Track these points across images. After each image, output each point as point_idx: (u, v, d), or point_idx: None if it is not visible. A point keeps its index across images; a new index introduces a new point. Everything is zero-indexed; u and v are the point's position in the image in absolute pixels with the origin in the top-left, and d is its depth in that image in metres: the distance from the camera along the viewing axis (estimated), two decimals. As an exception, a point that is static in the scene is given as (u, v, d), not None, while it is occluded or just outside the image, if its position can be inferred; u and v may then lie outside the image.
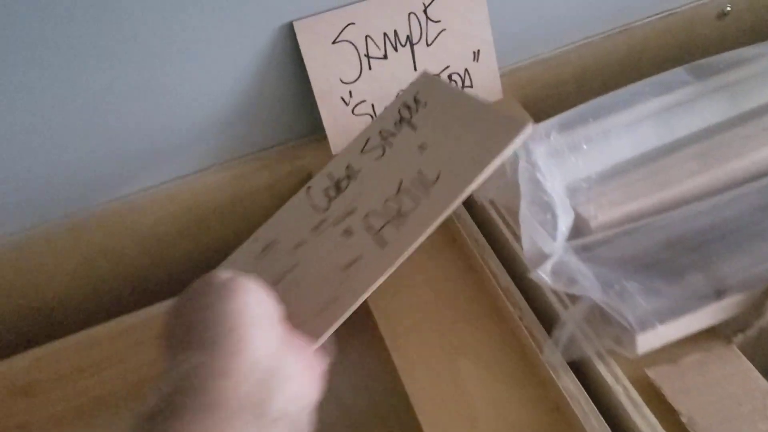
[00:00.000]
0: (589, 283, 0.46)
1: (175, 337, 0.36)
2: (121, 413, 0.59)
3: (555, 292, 0.49)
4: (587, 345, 0.46)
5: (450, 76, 0.66)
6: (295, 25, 0.59)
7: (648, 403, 0.45)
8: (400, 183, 0.52)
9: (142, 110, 0.59)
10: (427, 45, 0.64)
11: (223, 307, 0.36)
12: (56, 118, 0.56)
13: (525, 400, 0.48)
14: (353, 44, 0.61)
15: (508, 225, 0.56)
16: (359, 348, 0.60)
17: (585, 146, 0.54)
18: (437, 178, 0.50)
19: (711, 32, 0.75)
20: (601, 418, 0.45)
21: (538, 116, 0.67)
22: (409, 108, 0.57)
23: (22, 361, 0.57)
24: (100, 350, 0.59)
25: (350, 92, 0.63)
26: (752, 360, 0.48)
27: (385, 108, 0.59)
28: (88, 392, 0.60)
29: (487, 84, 0.67)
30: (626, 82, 0.59)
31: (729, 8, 0.75)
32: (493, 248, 0.55)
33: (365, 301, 0.53)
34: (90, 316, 0.64)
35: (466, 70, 0.66)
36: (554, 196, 0.49)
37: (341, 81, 0.62)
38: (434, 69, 0.65)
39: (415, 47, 0.63)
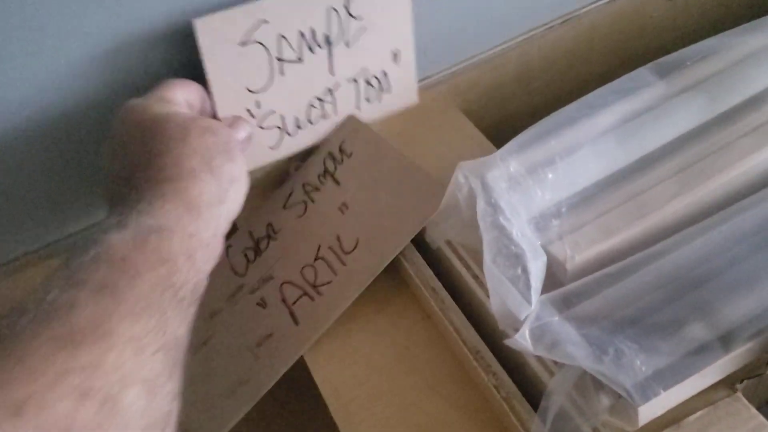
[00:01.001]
0: (576, 347, 0.39)
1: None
2: None
3: (538, 358, 0.42)
4: (579, 419, 0.39)
5: (368, 80, 0.57)
6: (196, 23, 0.48)
7: (655, 480, 0.38)
8: (318, 248, 0.52)
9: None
10: (347, 46, 0.55)
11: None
12: None
13: (512, 489, 0.41)
14: (264, 46, 0.51)
15: (469, 268, 0.48)
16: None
17: (550, 175, 0.46)
18: (355, 247, 0.51)
19: (661, 15, 0.68)
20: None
21: (482, 123, 0.61)
22: (334, 159, 0.56)
23: None
24: None
25: (257, 102, 0.53)
26: (754, 398, 0.42)
27: (311, 157, 0.58)
28: None
29: (403, 89, 0.59)
30: (575, 78, 0.54)
31: (677, -13, 0.69)
32: (454, 298, 0.48)
33: (308, 371, 0.47)
34: None
35: (384, 72, 0.58)
36: (523, 244, 0.41)
37: (248, 90, 0.52)
38: (351, 72, 0.56)
39: (334, 48, 0.54)
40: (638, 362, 0.38)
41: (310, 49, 0.53)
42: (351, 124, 0.58)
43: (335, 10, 0.52)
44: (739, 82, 0.51)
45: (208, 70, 0.49)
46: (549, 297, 0.42)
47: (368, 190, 0.53)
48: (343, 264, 0.50)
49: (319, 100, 0.56)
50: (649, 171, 0.48)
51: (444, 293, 0.48)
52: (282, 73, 0.53)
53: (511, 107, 0.67)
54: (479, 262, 0.44)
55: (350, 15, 0.53)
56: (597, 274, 0.42)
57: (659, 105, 0.51)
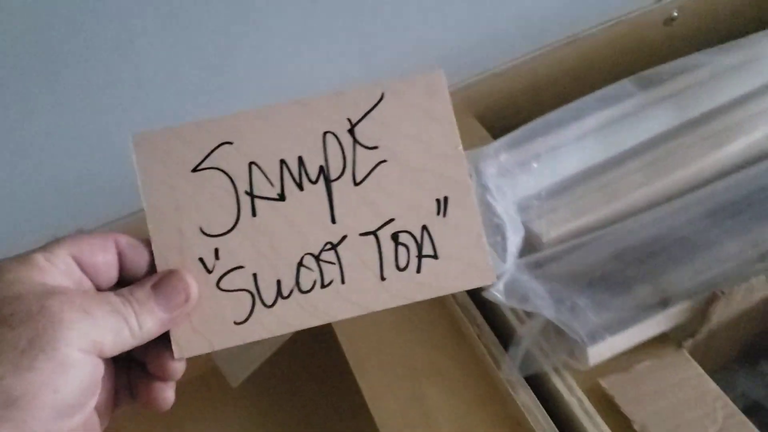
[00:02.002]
0: (541, 300, 0.48)
1: None
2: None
3: (513, 310, 0.51)
4: (543, 360, 0.48)
5: (396, 237, 0.37)
6: (135, 138, 0.37)
7: (602, 412, 0.46)
8: None
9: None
10: (355, 183, 0.38)
11: None
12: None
13: (486, 417, 0.50)
14: (227, 174, 0.37)
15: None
16: (324, 367, 0.62)
17: (535, 164, 0.55)
18: None
19: (659, 38, 0.77)
20: (555, 428, 0.46)
21: (494, 129, 0.70)
22: None
23: None
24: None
25: (215, 251, 0.37)
26: (702, 363, 0.50)
27: None
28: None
29: (463, 254, 0.37)
30: (579, 93, 0.61)
31: (676, 14, 0.77)
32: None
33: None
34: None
35: (424, 228, 0.38)
36: (504, 217, 0.51)
37: (201, 232, 0.37)
38: (367, 223, 0.37)
39: (334, 185, 0.37)
40: (590, 313, 0.47)
41: (298, 184, 0.37)
42: None
43: (335, 135, 0.37)
44: (705, 96, 0.59)
45: (146, 201, 0.36)
46: (523, 260, 0.51)
47: None
48: None
49: (315, 258, 0.37)
50: (621, 166, 0.56)
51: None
52: (254, 213, 0.37)
53: (521, 116, 0.76)
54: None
55: (359, 143, 0.37)
56: (565, 244, 0.51)
57: (636, 112, 0.59)
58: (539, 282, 0.49)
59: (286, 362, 0.62)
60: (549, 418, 0.47)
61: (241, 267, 0.37)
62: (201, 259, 0.37)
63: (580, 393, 0.47)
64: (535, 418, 0.47)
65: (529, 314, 0.50)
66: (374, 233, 0.38)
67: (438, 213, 0.38)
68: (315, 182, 0.38)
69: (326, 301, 0.37)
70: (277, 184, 0.37)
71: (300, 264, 0.37)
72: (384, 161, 0.38)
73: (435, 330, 0.55)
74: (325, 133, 0.37)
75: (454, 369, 0.52)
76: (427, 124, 0.38)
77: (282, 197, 0.37)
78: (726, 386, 0.48)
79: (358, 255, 0.38)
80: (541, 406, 0.48)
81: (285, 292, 0.37)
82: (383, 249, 0.38)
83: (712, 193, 0.53)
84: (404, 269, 0.38)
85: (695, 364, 0.49)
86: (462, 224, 0.38)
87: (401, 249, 0.38)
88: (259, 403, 0.68)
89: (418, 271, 0.37)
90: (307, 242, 0.37)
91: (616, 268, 0.50)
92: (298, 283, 0.37)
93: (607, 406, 0.47)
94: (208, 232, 0.37)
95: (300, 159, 0.38)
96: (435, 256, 0.37)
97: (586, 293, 0.48)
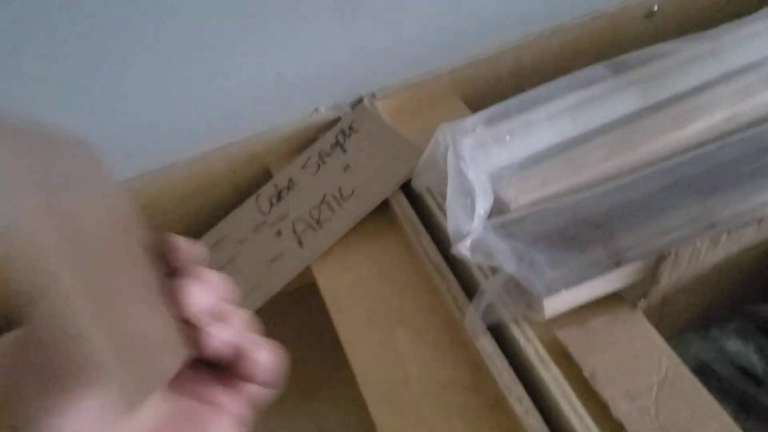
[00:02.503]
0: (503, 256, 0.52)
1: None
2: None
3: (479, 267, 0.56)
4: (504, 311, 0.52)
5: None
6: None
7: (557, 361, 0.51)
8: (324, 196, 0.66)
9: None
10: None
11: None
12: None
13: (451, 360, 0.54)
14: None
15: (441, 208, 0.62)
16: (305, 320, 0.67)
17: (508, 137, 0.60)
18: (351, 195, 0.64)
19: (639, 31, 0.81)
20: (513, 374, 0.51)
21: (479, 111, 0.74)
22: (344, 134, 0.70)
23: None
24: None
25: None
26: (657, 326, 0.54)
27: (328, 132, 0.73)
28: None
29: None
30: None
31: (656, 8, 0.82)
32: (427, 230, 0.62)
33: (312, 276, 0.61)
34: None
35: None
36: (475, 183, 0.55)
37: None
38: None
39: None
40: (547, 269, 0.51)
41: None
42: (361, 109, 0.72)
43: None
44: (671, 81, 0.64)
45: None
46: (490, 222, 0.55)
47: (367, 155, 0.67)
48: (341, 207, 0.64)
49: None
50: (588, 142, 0.61)
51: (418, 223, 0.62)
52: None
53: (504, 99, 0.80)
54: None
55: None
56: (530, 208, 0.56)
57: (606, 95, 0.64)
58: (503, 241, 0.53)
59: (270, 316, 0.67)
60: (507, 363, 0.51)
61: None
62: None
63: (536, 342, 0.51)
64: (493, 363, 0.52)
65: (493, 271, 0.54)
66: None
67: None
68: None
69: None
70: None
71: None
72: None
73: (408, 283, 0.60)
74: None
75: (424, 318, 0.57)
76: None
77: None
78: (679, 350, 0.52)
79: None
80: (500, 352, 0.52)
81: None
82: None
83: (669, 167, 0.57)
84: None
85: (646, 321, 0.53)
86: None
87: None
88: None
89: None
90: None
91: (574, 231, 0.54)
92: None
93: (561, 356, 0.51)
94: None
95: None
96: None
97: (545, 251, 0.53)
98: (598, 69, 0.65)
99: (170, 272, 0.32)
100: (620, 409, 0.48)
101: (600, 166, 0.59)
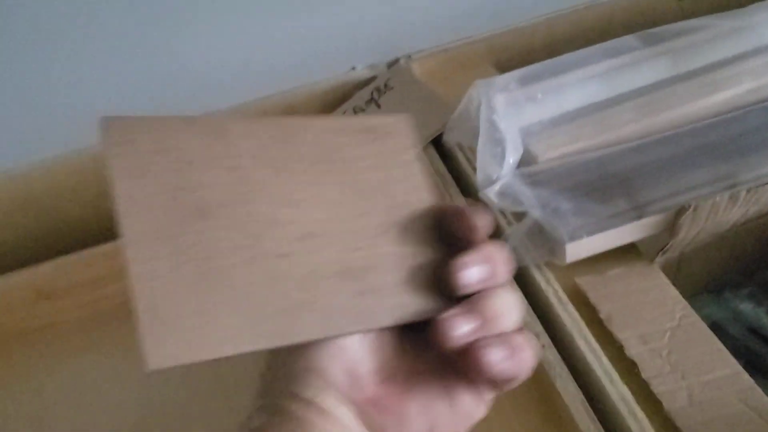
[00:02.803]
0: (529, 202, 0.55)
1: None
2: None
3: (503, 213, 0.58)
4: (527, 255, 0.55)
5: None
6: None
7: (575, 303, 0.53)
8: None
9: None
10: None
11: None
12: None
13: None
14: None
15: (471, 163, 0.64)
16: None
17: (540, 96, 0.62)
18: None
19: (670, 14, 0.83)
20: (533, 313, 0.53)
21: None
22: (379, 90, 0.72)
23: (46, 267, 0.66)
24: (118, 261, 0.67)
25: None
26: (675, 283, 0.56)
27: (363, 89, 0.74)
28: (108, 299, 0.68)
29: None
30: None
31: (689, -9, 0.84)
32: (456, 182, 0.64)
33: None
34: (110, 235, 0.73)
35: None
36: (506, 134, 0.57)
37: None
38: None
39: None
40: (571, 216, 0.54)
41: None
42: (397, 68, 0.75)
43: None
44: (701, 54, 0.66)
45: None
46: (518, 171, 0.58)
47: (400, 110, 0.70)
48: None
49: None
50: (617, 105, 0.63)
51: (448, 177, 0.64)
52: None
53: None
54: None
55: None
56: (557, 161, 0.58)
57: (636, 63, 0.66)
58: (530, 188, 0.56)
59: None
60: (527, 302, 0.54)
61: None
62: None
63: (556, 285, 0.54)
64: (515, 305, 0.54)
65: (517, 219, 0.57)
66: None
67: None
68: None
69: None
70: None
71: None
72: None
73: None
74: None
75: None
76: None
77: None
78: (693, 309, 0.54)
79: None
80: (521, 292, 0.54)
81: None
82: None
83: (695, 129, 0.59)
84: None
85: (662, 275, 0.56)
86: None
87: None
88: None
89: None
90: None
91: (599, 183, 0.56)
92: None
93: (580, 300, 0.54)
94: None
95: None
96: None
97: (570, 200, 0.55)
98: (629, 39, 0.67)
99: (451, 239, 0.35)
100: (634, 349, 0.50)
101: (627, 127, 0.61)
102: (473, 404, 0.34)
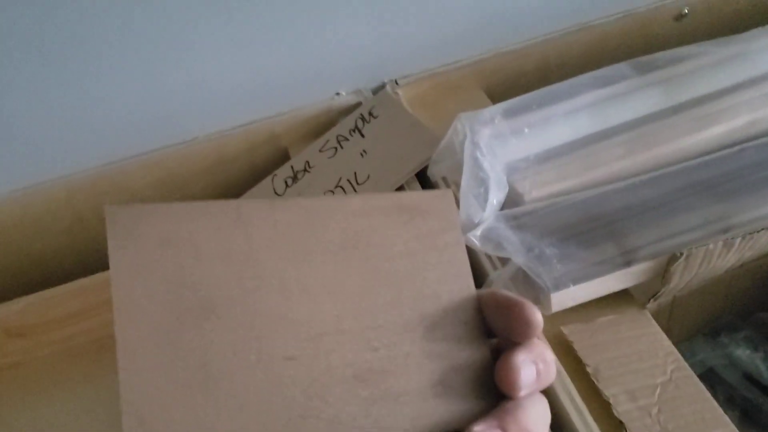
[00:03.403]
0: (513, 247, 0.52)
1: None
2: (110, 355, 0.67)
3: (489, 257, 0.55)
4: (510, 303, 0.52)
5: None
6: None
7: (560, 355, 0.51)
8: (339, 180, 0.66)
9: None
10: None
11: None
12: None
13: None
14: None
15: (455, 198, 0.62)
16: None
17: (526, 130, 0.60)
18: (366, 180, 0.64)
19: (668, 33, 0.80)
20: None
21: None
22: (363, 119, 0.70)
23: (17, 305, 0.64)
24: (90, 298, 0.65)
25: None
26: (666, 330, 0.54)
27: (347, 116, 0.72)
28: (79, 336, 0.66)
29: None
30: None
31: (687, 10, 0.81)
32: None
33: None
34: (83, 269, 0.71)
35: None
36: (490, 173, 0.55)
37: None
38: None
39: None
40: (556, 262, 0.51)
41: None
42: (383, 95, 0.72)
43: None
44: (695, 83, 0.63)
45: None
46: (502, 213, 0.55)
47: (385, 141, 0.67)
48: (355, 192, 0.64)
49: None
50: (606, 139, 0.60)
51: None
52: None
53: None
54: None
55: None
56: (543, 202, 0.56)
57: (627, 93, 0.63)
58: (514, 232, 0.53)
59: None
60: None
61: None
62: None
63: (542, 338, 0.51)
64: (498, 355, 0.51)
65: (502, 262, 0.54)
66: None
67: None
68: None
69: None
70: None
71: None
72: None
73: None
74: None
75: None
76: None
77: None
78: (687, 354, 0.52)
79: None
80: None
81: None
82: None
83: (686, 168, 0.56)
84: None
85: (654, 322, 0.53)
86: None
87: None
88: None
89: None
90: None
91: (586, 227, 0.54)
92: None
93: (565, 351, 0.51)
94: None
95: None
96: None
97: (555, 245, 0.52)
98: (621, 67, 0.65)
99: (500, 333, 0.33)
100: (621, 406, 0.48)
101: (616, 164, 0.58)
102: None
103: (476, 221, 0.53)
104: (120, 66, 0.66)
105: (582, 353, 0.51)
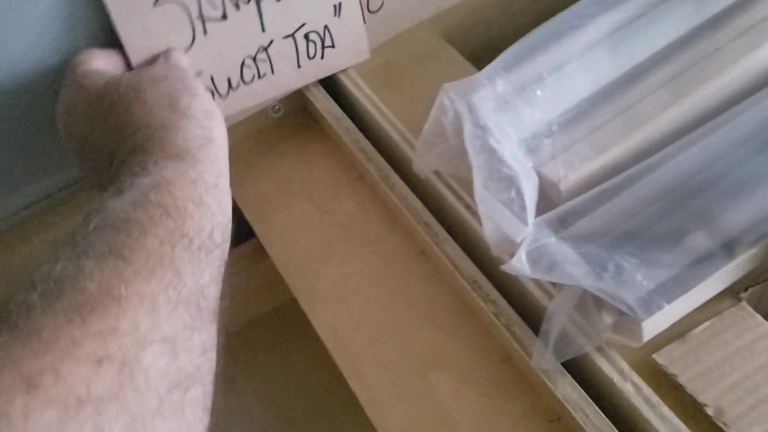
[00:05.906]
0: (575, 267, 0.38)
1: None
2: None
3: (535, 281, 0.41)
4: (583, 340, 0.38)
5: (307, 36, 0.52)
6: None
7: (663, 395, 0.37)
8: None
9: None
10: (277, 0, 0.50)
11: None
12: None
13: (516, 413, 0.40)
14: (182, 4, 0.46)
15: (460, 198, 0.47)
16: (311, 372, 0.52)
17: (539, 92, 0.44)
18: None
19: None
20: (610, 424, 0.37)
21: (466, 49, 0.59)
22: None
23: None
24: None
25: None
26: (755, 307, 0.41)
27: None
28: None
29: (351, 42, 0.55)
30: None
31: None
32: (447, 230, 0.46)
33: (307, 318, 0.46)
34: None
35: (326, 27, 0.53)
36: (515, 166, 0.40)
37: None
38: (287, 28, 0.51)
39: (263, 4, 0.49)
40: (639, 276, 0.37)
41: (236, 5, 0.48)
42: None
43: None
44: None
45: (121, 34, 0.45)
46: (544, 219, 0.40)
47: None
48: None
49: (252, 59, 0.51)
50: (640, 82, 0.46)
51: (437, 226, 0.46)
52: (205, 32, 0.48)
53: (494, 31, 0.64)
54: (471, 192, 0.42)
55: None
56: (592, 191, 0.41)
57: (646, 13, 0.48)
58: (569, 244, 0.39)
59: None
60: (597, 409, 0.38)
61: (200, 73, 0.50)
62: None
63: (635, 377, 0.38)
64: (580, 410, 0.38)
65: (555, 285, 0.40)
66: (292, 35, 0.52)
67: (335, 15, 0.53)
68: (248, 2, 0.49)
69: (262, 86, 0.53)
70: (220, 6, 0.48)
71: (242, 64, 0.51)
72: None
73: (438, 307, 0.45)
74: None
75: (469, 355, 0.42)
76: None
77: (224, 17, 0.48)
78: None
79: (282, 52, 0.52)
80: (586, 395, 0.38)
81: (234, 86, 0.52)
82: (299, 45, 0.53)
83: (758, 102, 0.42)
84: (313, 58, 0.54)
85: (761, 319, 0.40)
86: (350, 21, 0.53)
87: (311, 44, 0.53)
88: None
89: (322, 57, 0.54)
90: (244, 48, 0.51)
91: (659, 213, 0.40)
92: (242, 77, 0.52)
93: (668, 385, 0.38)
94: None
95: None
96: (333, 46, 0.54)
97: (629, 251, 0.38)
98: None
99: None
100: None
101: (664, 115, 0.44)
102: None
103: (516, 239, 0.38)
104: None
105: (692, 388, 0.37)
